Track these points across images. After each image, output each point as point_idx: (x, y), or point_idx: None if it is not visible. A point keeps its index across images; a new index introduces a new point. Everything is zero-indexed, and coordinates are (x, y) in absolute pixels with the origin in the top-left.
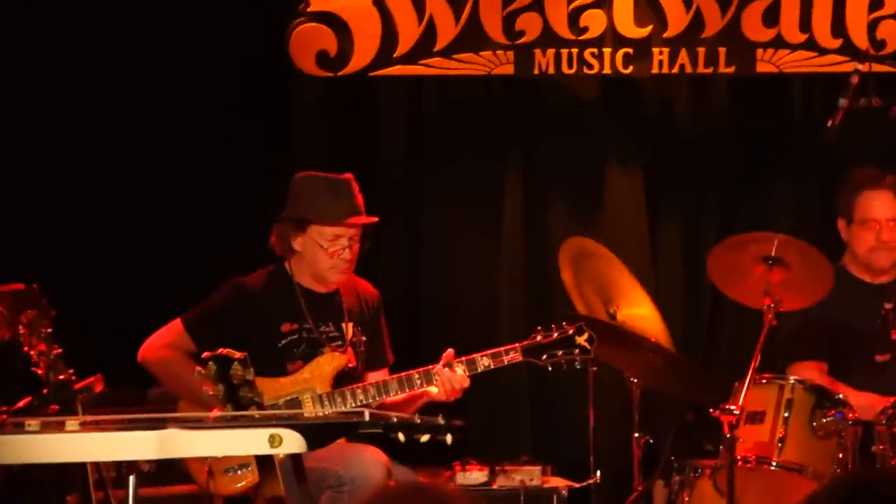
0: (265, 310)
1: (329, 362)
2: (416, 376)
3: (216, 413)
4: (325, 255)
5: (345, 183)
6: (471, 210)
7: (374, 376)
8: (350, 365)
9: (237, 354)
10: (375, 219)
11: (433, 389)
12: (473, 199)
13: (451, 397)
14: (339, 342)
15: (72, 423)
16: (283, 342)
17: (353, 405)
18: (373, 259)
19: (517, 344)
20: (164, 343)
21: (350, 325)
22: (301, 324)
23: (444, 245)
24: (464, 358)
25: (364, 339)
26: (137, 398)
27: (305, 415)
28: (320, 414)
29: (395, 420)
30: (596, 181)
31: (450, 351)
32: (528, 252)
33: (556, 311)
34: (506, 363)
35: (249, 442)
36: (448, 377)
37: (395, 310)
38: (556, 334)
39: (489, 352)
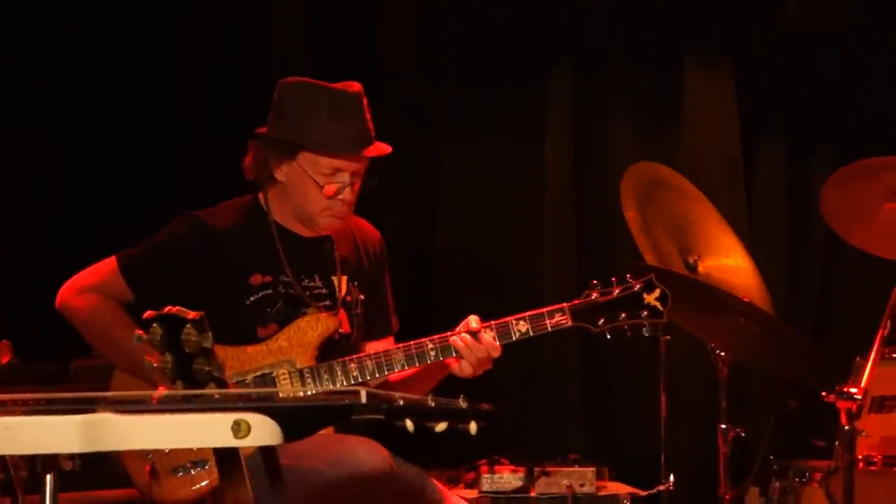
0: (230, 255)
1: (313, 326)
2: (430, 346)
3: (162, 392)
4: (317, 192)
5: (353, 98)
6: (502, 137)
7: (375, 347)
8: (342, 331)
9: (191, 314)
10: (389, 149)
11: (453, 363)
12: (505, 122)
13: (477, 370)
14: (329, 301)
15: None
16: (253, 299)
17: (346, 384)
18: (373, 204)
19: (565, 304)
20: (90, 284)
21: (344, 278)
22: (277, 275)
23: (467, 184)
24: (493, 322)
25: (362, 297)
26: (57, 373)
27: (281, 395)
28: (301, 394)
29: (400, 403)
30: (670, 89)
31: (473, 316)
32: (579, 186)
33: (616, 261)
34: (549, 329)
35: (206, 431)
36: (472, 345)
37: (404, 267)
38: (617, 291)
39: (527, 314)
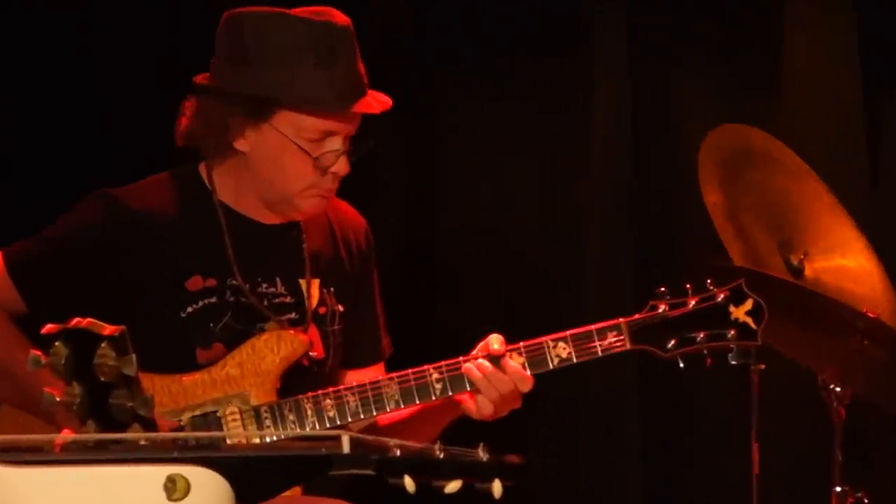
0: (159, 250)
1: (273, 348)
2: (435, 376)
3: (67, 436)
4: (303, 164)
5: (342, 35)
6: (528, 100)
7: (358, 377)
8: (313, 354)
9: (107, 328)
10: (390, 101)
11: (467, 399)
12: (533, 82)
13: (500, 409)
14: (294, 313)
15: None
16: (191, 310)
17: (319, 427)
18: (354, 180)
19: (621, 319)
20: None
21: (315, 282)
22: (224, 278)
23: (480, 158)
24: (522, 344)
25: (340, 309)
26: None
27: (230, 441)
28: (257, 441)
29: (397, 453)
30: (763, 31)
31: (496, 335)
32: (637, 163)
33: (691, 262)
34: (600, 354)
35: (130, 490)
36: (493, 375)
37: (395, 267)
38: (693, 302)
39: (568, 333)
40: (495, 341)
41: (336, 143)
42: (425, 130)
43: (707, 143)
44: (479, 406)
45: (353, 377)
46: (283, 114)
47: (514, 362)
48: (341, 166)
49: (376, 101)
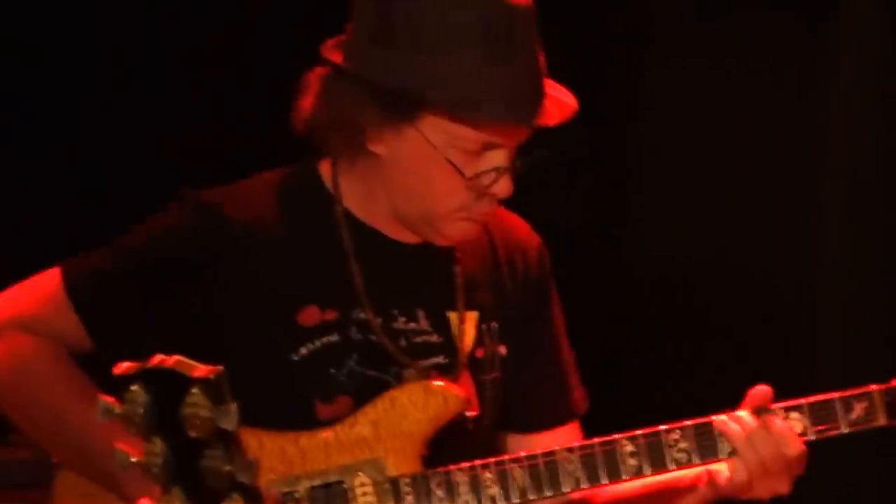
0: (264, 271)
1: (419, 404)
2: (629, 448)
3: None
4: (453, 182)
5: (521, 17)
6: (745, 70)
7: (539, 441)
8: (467, 413)
9: (200, 369)
10: (575, 105)
11: (721, 468)
12: (753, 55)
13: (764, 484)
14: (442, 356)
15: None
16: (305, 351)
17: None
18: (525, 189)
19: (873, 387)
20: (13, 317)
21: (471, 316)
22: (348, 309)
23: (681, 157)
24: (804, 402)
25: (503, 351)
26: None
27: None
28: None
29: None
30: None
31: (761, 389)
32: (892, 149)
33: None
34: (843, 430)
35: None
36: (766, 436)
37: (575, 296)
38: None
39: (803, 401)
40: (762, 397)
41: (499, 159)
42: (614, 127)
43: None
44: (735, 476)
45: (536, 441)
46: (433, 117)
47: (797, 423)
48: (502, 188)
49: (558, 106)
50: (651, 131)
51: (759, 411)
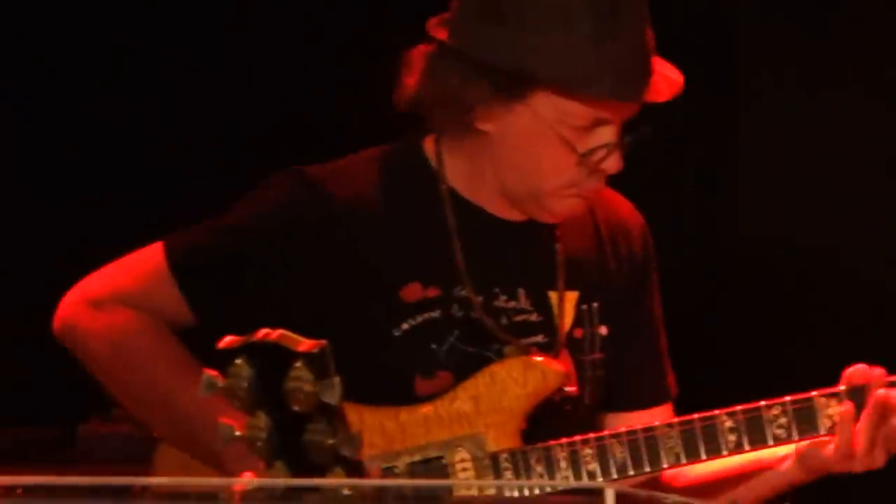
0: (367, 247)
1: (519, 379)
2: (728, 423)
3: (249, 479)
4: (564, 158)
5: None
6: (862, 50)
7: (635, 421)
8: (569, 390)
9: (304, 343)
10: (681, 81)
11: (817, 447)
12: (860, 44)
13: (863, 466)
14: (542, 335)
15: None
16: (407, 326)
17: (574, 480)
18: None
19: None
20: (115, 292)
21: (571, 296)
22: (449, 286)
23: (796, 137)
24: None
25: (604, 331)
26: (57, 443)
27: (461, 494)
28: (493, 493)
29: None
30: None
31: (859, 368)
32: None
33: None
34: None
35: None
36: (865, 412)
37: (676, 279)
38: None
39: (893, 380)
40: (861, 377)
41: (608, 135)
42: (719, 105)
43: None
44: (824, 457)
45: (632, 420)
46: (544, 94)
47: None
48: (612, 163)
49: (666, 82)
50: (756, 114)
51: (857, 388)
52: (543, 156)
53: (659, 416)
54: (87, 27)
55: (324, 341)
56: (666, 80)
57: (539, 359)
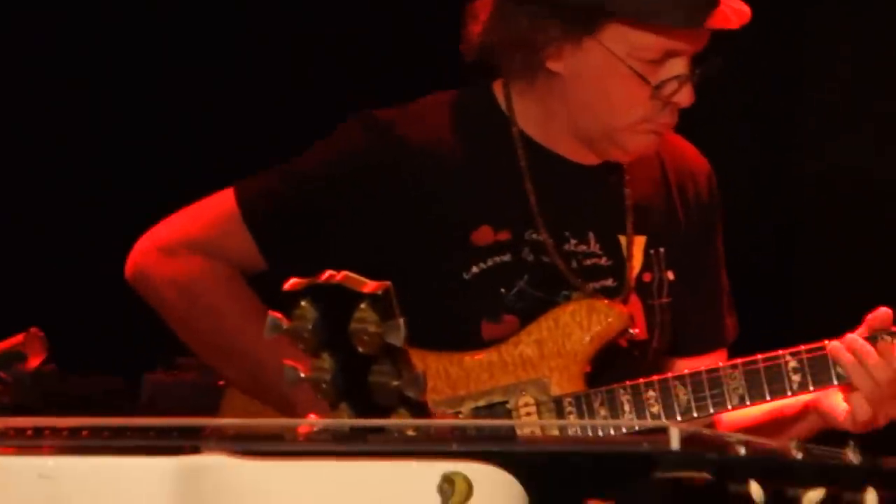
0: (438, 190)
1: (583, 323)
2: (792, 364)
3: (315, 420)
4: (638, 92)
5: None
6: None
7: (693, 366)
8: (634, 332)
9: (368, 285)
10: (748, 11)
11: (834, 404)
12: None
13: (878, 415)
14: (611, 279)
15: None
16: (477, 270)
17: (636, 420)
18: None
19: None
20: (185, 238)
21: (640, 241)
22: (521, 230)
23: (859, 76)
24: None
25: (671, 276)
26: (124, 390)
27: (524, 433)
28: (557, 433)
29: (741, 452)
30: None
31: (883, 311)
32: None
33: None
34: None
35: (394, 492)
36: (870, 358)
37: (742, 225)
38: None
39: None
40: (882, 320)
41: (680, 67)
42: (783, 43)
43: None
44: (853, 407)
45: (685, 366)
46: (614, 27)
47: None
48: (685, 96)
49: (733, 11)
50: (819, 53)
51: (875, 335)
52: (616, 91)
53: (714, 361)
54: (86, 27)
55: (388, 282)
56: (733, 9)
57: (604, 302)
